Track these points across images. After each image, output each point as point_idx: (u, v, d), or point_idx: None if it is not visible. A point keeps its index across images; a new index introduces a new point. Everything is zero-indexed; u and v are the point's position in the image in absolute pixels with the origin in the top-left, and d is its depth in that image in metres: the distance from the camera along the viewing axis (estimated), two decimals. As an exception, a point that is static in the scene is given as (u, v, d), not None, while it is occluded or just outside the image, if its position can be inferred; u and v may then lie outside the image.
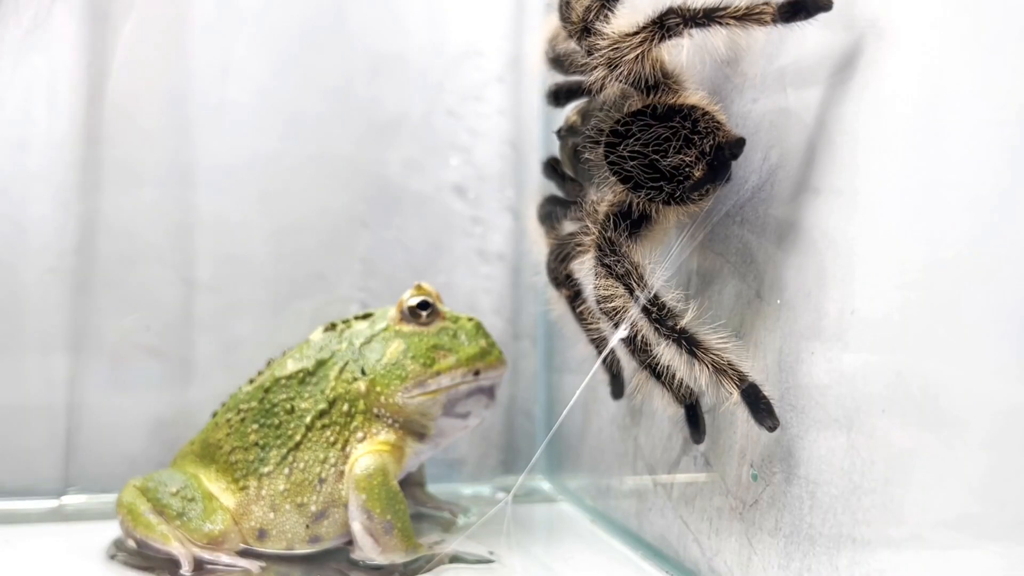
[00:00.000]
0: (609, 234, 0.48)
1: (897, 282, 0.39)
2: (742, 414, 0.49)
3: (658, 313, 0.45)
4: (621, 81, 0.46)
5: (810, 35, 0.43)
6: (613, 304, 0.47)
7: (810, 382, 0.44)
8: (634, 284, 0.46)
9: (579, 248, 0.54)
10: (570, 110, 0.55)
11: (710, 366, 0.44)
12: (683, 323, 0.45)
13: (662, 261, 0.49)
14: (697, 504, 0.55)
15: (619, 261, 0.47)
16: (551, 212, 0.59)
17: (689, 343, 0.44)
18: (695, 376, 0.44)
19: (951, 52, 0.36)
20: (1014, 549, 0.34)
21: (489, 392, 0.65)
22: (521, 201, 0.82)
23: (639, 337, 0.46)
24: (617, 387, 0.62)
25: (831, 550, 0.42)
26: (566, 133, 0.54)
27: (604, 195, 0.50)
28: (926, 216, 0.37)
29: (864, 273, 0.40)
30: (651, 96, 0.47)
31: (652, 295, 0.46)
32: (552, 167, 0.58)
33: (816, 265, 0.43)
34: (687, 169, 0.46)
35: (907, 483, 0.38)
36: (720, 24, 0.43)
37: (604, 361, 0.58)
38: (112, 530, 0.64)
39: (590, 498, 0.73)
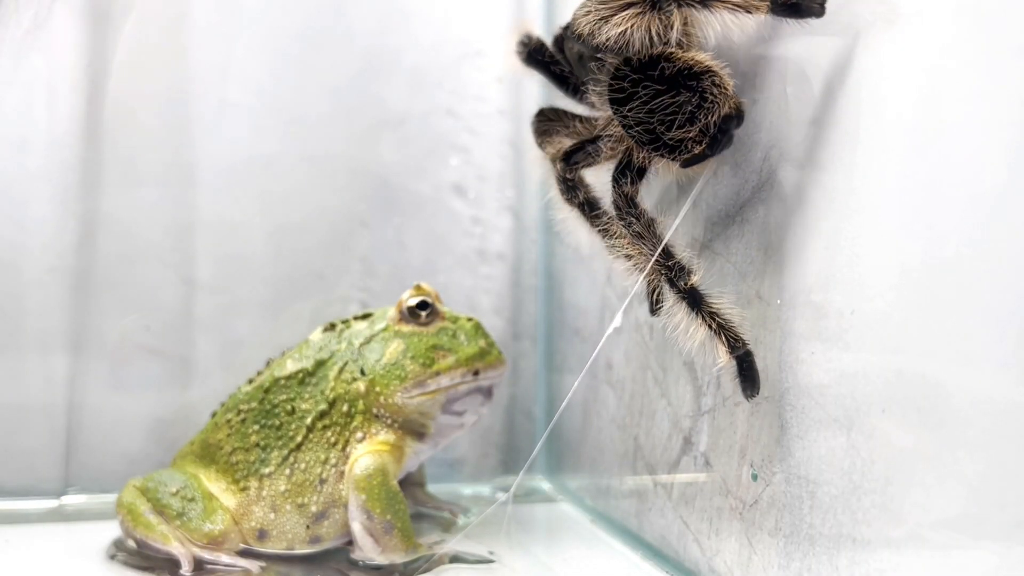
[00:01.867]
0: (625, 189, 0.48)
1: (897, 282, 0.39)
2: (742, 414, 0.49)
3: (668, 272, 0.46)
4: (608, 43, 0.46)
5: (810, 35, 0.43)
6: (633, 262, 0.48)
7: (810, 382, 0.44)
8: (651, 243, 0.47)
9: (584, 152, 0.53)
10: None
11: (708, 326, 0.44)
12: (692, 281, 0.45)
13: (674, 217, 0.49)
14: (697, 504, 0.55)
15: (637, 219, 0.47)
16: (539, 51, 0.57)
17: (693, 301, 0.45)
18: (694, 334, 0.45)
19: (951, 52, 0.36)
20: (1013, 549, 0.34)
21: (487, 392, 0.65)
22: (521, 201, 0.82)
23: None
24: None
25: (831, 550, 0.42)
26: (571, 37, 0.53)
27: (608, 120, 0.49)
28: (926, 216, 0.37)
29: (864, 273, 0.40)
30: (656, 48, 0.46)
31: (666, 252, 0.46)
32: (559, 44, 0.57)
33: (816, 265, 0.43)
34: (688, 143, 0.46)
35: (907, 483, 0.38)
36: (711, 10, 0.43)
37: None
38: (112, 530, 0.64)
39: (590, 498, 0.73)
